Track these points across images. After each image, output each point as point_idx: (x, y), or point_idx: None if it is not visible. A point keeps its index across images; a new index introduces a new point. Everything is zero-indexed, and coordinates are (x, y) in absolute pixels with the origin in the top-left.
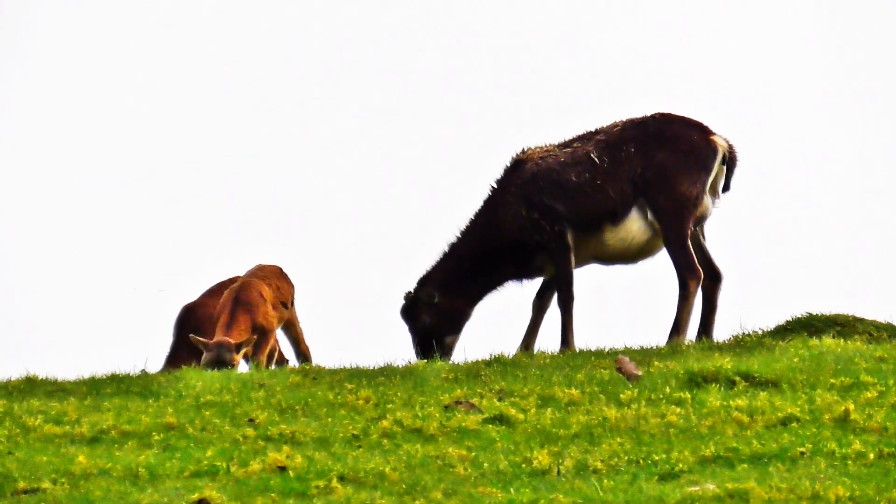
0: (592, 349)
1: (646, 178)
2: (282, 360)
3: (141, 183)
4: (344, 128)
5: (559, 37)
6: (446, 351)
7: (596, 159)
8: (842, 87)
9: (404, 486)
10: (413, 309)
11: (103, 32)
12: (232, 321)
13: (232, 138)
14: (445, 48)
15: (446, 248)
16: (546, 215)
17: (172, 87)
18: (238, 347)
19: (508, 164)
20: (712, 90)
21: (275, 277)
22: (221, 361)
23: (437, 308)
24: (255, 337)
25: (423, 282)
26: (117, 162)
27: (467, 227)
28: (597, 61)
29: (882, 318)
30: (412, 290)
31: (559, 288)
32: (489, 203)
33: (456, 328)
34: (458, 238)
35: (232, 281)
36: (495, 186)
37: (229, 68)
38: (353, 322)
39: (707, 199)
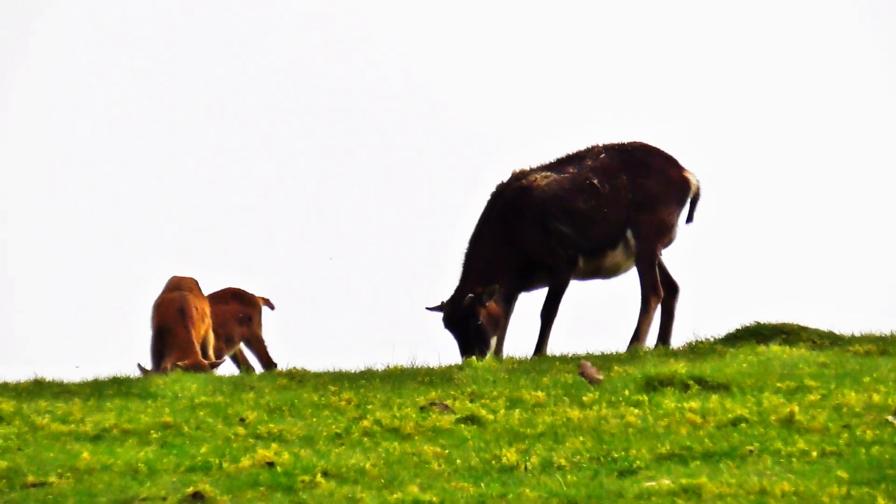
0: (557, 355)
1: (635, 204)
2: (249, 368)
3: (143, 186)
4: (324, 136)
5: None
6: (492, 348)
7: (598, 186)
8: (789, 99)
9: (383, 481)
10: (464, 314)
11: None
12: (189, 339)
13: (221, 143)
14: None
15: (470, 259)
16: (562, 242)
17: (169, 88)
18: (213, 367)
19: (513, 186)
20: (658, 103)
21: (197, 289)
22: None
23: (483, 309)
24: (225, 359)
25: (471, 288)
26: (119, 165)
27: (486, 239)
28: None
29: (825, 326)
30: (457, 297)
31: (549, 302)
32: (501, 221)
33: (497, 326)
34: (482, 249)
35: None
36: (506, 207)
37: (229, 69)
38: (337, 327)
39: (677, 228)
